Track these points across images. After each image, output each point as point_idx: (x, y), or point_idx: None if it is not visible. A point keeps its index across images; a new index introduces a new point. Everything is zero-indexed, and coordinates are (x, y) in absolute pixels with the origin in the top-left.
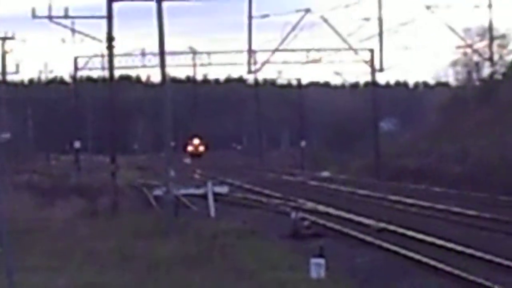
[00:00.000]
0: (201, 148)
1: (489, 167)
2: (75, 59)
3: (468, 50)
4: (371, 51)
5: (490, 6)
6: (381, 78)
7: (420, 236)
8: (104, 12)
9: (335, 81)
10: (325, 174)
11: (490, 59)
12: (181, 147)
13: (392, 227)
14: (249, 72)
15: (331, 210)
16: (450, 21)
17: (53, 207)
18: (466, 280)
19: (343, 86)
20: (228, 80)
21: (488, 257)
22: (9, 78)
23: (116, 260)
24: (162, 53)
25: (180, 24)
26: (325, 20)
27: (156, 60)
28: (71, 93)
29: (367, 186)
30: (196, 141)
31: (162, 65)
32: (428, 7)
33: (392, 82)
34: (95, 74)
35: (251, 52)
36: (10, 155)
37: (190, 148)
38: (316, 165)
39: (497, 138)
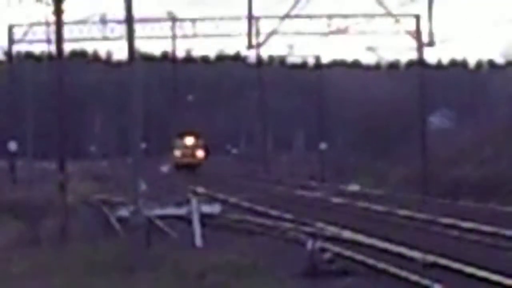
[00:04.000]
0: (200, 154)
1: None
2: (10, 28)
3: None
4: (417, 18)
5: None
6: (430, 56)
7: (483, 273)
8: None
9: (368, 59)
10: (354, 188)
11: None
12: (156, 150)
13: (444, 262)
14: (250, 47)
15: (361, 238)
16: None
17: None
18: None
19: (378, 67)
20: (221, 58)
21: None
22: None
23: None
24: (129, 20)
25: None
26: None
27: (121, 30)
28: (4, 75)
29: (411, 204)
30: (189, 140)
31: (130, 36)
32: None
33: (445, 60)
34: (37, 49)
35: (252, 19)
36: None
37: (177, 152)
38: (341, 175)
39: None
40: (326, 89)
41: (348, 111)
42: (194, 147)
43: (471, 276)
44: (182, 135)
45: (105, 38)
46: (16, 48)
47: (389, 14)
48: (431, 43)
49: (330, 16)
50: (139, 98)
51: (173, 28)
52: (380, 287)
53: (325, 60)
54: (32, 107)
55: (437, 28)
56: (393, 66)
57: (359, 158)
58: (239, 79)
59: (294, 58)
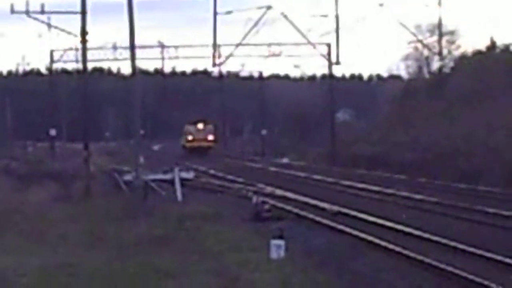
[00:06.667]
0: (210, 137)
1: (437, 155)
2: (51, 52)
3: (419, 45)
4: (328, 45)
5: (439, 4)
6: (337, 71)
7: (372, 218)
8: (78, 8)
9: (294, 73)
10: (285, 160)
11: (440, 53)
12: (150, 136)
13: (346, 210)
14: (214, 65)
15: (290, 195)
16: (402, 18)
17: (29, 191)
18: (414, 260)
19: (301, 79)
20: (194, 73)
21: (433, 237)
22: None
23: (88, 241)
24: (132, 47)
25: (149, 19)
26: (285, 16)
27: (126, 53)
28: (47, 84)
29: (323, 172)
30: (201, 125)
31: (132, 58)
32: (381, 5)
33: (347, 75)
34: (69, 66)
35: (216, 46)
36: None
37: (189, 137)
38: (276, 152)
39: (446, 128)
40: (266, 94)
41: (281, 109)
42: (205, 131)
43: (364, 220)
44: (194, 122)
45: (116, 59)
46: (55, 66)
47: (309, 43)
48: (338, 63)
49: (269, 44)
50: (138, 100)
51: (162, 52)
52: (302, 227)
53: (265, 74)
54: (66, 106)
55: (342, 52)
56: (312, 78)
57: (288, 141)
58: (207, 87)
59: (244, 73)
